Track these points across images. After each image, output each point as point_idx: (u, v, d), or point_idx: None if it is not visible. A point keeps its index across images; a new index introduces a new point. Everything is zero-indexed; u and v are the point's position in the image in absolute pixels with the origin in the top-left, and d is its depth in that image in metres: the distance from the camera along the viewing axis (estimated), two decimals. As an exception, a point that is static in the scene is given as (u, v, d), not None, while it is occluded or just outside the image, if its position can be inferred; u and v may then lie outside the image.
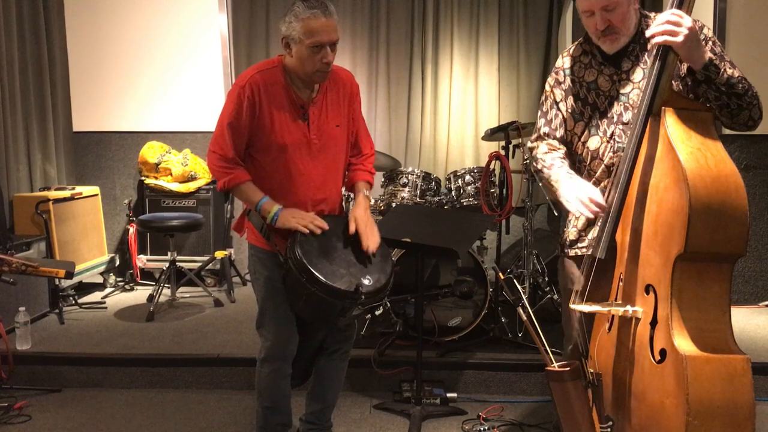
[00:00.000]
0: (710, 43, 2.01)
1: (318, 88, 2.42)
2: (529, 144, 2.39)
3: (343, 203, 2.96)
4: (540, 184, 2.33)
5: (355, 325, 2.73)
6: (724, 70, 1.90)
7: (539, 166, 2.28)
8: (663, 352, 1.76)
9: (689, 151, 1.75)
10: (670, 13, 1.82)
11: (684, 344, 1.72)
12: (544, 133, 2.31)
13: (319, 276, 2.23)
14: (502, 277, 2.22)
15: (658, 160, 1.82)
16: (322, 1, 2.24)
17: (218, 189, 2.44)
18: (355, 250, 2.40)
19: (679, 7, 1.83)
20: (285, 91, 2.35)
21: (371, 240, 2.39)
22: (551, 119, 2.29)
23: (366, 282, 2.28)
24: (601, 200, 1.98)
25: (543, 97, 2.34)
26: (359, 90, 2.58)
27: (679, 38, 1.80)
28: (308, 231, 2.31)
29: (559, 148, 2.28)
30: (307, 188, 2.42)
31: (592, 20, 2.05)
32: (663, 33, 1.82)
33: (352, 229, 2.39)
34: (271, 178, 2.40)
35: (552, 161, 2.23)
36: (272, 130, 2.34)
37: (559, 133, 2.28)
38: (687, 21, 1.81)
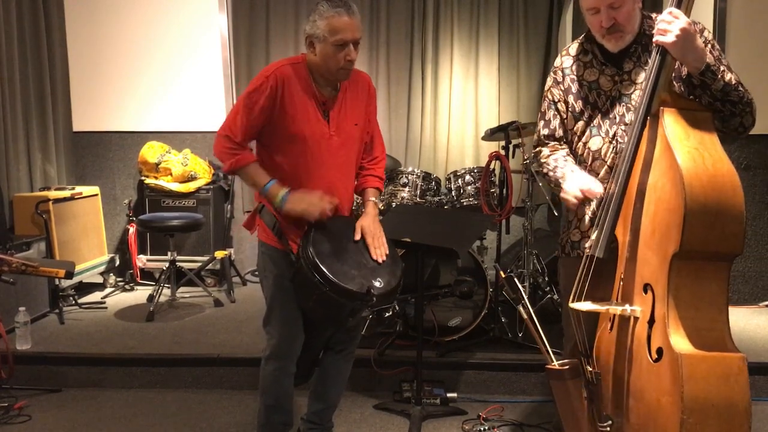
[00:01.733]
0: (708, 46, 2.01)
1: (339, 86, 2.44)
2: (532, 150, 2.39)
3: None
4: (548, 185, 2.33)
5: (362, 326, 2.74)
6: (721, 76, 1.89)
7: (545, 170, 2.28)
8: (660, 351, 1.76)
9: (686, 151, 1.75)
10: (666, 13, 1.83)
11: (680, 343, 1.72)
12: (545, 136, 2.31)
13: (332, 276, 2.23)
14: (503, 276, 2.22)
15: (656, 159, 1.83)
16: (345, 1, 2.29)
17: (224, 171, 2.43)
18: (366, 252, 2.41)
19: (678, 6, 1.83)
20: (308, 88, 2.38)
21: (379, 251, 2.41)
22: (549, 120, 2.29)
23: (377, 284, 2.29)
24: (597, 190, 2.00)
25: (542, 99, 2.34)
26: (376, 92, 2.61)
27: (669, 38, 1.81)
28: (317, 214, 2.31)
29: (561, 148, 2.28)
30: (324, 185, 2.43)
31: (596, 18, 2.04)
32: (656, 33, 1.84)
33: (357, 236, 2.41)
34: (289, 174, 2.40)
35: (555, 162, 2.24)
36: (293, 123, 2.36)
37: (559, 133, 2.28)
38: (681, 22, 1.81)
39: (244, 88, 2.41)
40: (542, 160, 2.30)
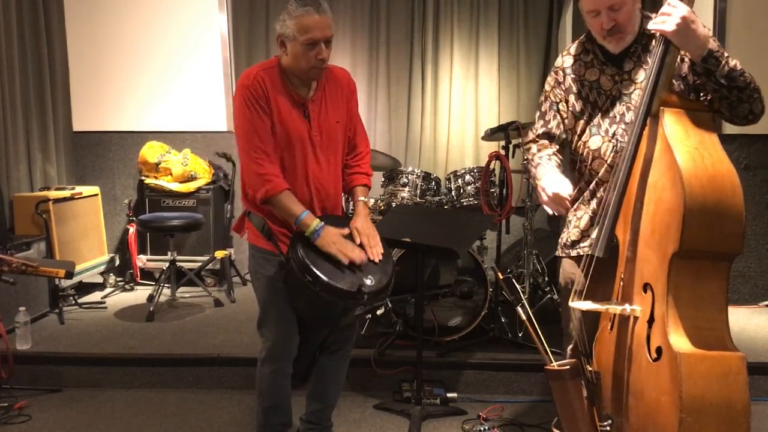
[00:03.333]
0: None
1: (316, 86, 2.43)
2: (525, 147, 2.42)
3: (343, 203, 2.96)
4: (530, 182, 2.38)
5: (357, 325, 2.73)
6: (726, 62, 1.89)
7: (529, 165, 2.32)
8: (659, 350, 1.76)
9: (686, 151, 1.76)
10: (666, 4, 1.84)
11: (679, 342, 1.72)
12: (540, 134, 2.32)
13: (322, 276, 2.23)
14: (501, 277, 2.22)
15: (656, 159, 1.83)
16: None
17: (258, 202, 2.34)
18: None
19: None
20: (285, 90, 2.37)
21: (374, 251, 2.40)
22: (548, 120, 2.30)
23: (368, 282, 2.28)
24: (565, 195, 2.04)
25: (542, 97, 2.34)
26: (356, 88, 2.59)
27: (668, 26, 1.82)
28: (346, 261, 2.29)
29: (549, 146, 2.29)
30: (311, 185, 2.43)
31: (597, 20, 2.04)
32: (656, 23, 1.85)
33: (357, 240, 2.40)
34: None
35: (539, 159, 2.26)
36: (278, 126, 2.35)
37: (555, 133, 2.28)
38: (681, 10, 1.82)
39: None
40: (528, 156, 2.34)
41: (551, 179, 2.11)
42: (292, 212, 2.32)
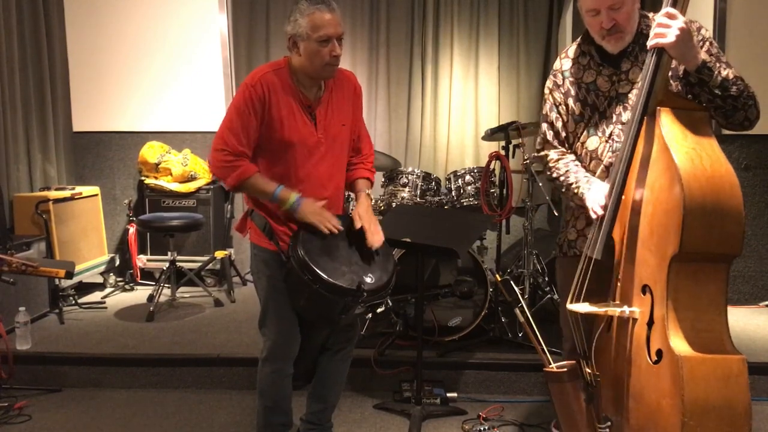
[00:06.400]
0: (707, 44, 2.01)
1: (324, 87, 2.44)
2: (536, 153, 2.39)
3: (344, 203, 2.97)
4: (559, 189, 2.34)
5: (358, 325, 2.74)
6: (719, 72, 1.89)
7: (554, 175, 2.28)
8: (659, 353, 1.76)
9: (684, 151, 1.75)
10: (662, 14, 1.83)
11: (680, 345, 1.72)
12: (551, 138, 2.31)
13: (322, 274, 2.23)
14: (498, 279, 2.23)
15: (654, 160, 1.83)
16: None
17: (228, 188, 2.40)
18: (357, 249, 2.42)
19: (674, 6, 1.83)
20: (293, 91, 2.38)
21: (375, 237, 2.41)
22: (553, 122, 2.29)
23: (368, 280, 2.29)
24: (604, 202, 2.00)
25: (543, 101, 2.35)
26: (362, 91, 2.61)
27: (669, 39, 1.80)
28: (327, 231, 2.32)
29: (568, 152, 2.28)
30: (314, 187, 2.43)
31: (597, 19, 2.04)
32: (654, 36, 1.83)
33: (357, 224, 2.41)
34: (278, 178, 2.40)
35: (566, 167, 2.24)
36: (281, 129, 2.36)
37: (562, 135, 2.28)
38: (678, 21, 1.81)
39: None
40: (551, 165, 2.30)
41: (595, 194, 2.05)
42: (266, 190, 2.35)
